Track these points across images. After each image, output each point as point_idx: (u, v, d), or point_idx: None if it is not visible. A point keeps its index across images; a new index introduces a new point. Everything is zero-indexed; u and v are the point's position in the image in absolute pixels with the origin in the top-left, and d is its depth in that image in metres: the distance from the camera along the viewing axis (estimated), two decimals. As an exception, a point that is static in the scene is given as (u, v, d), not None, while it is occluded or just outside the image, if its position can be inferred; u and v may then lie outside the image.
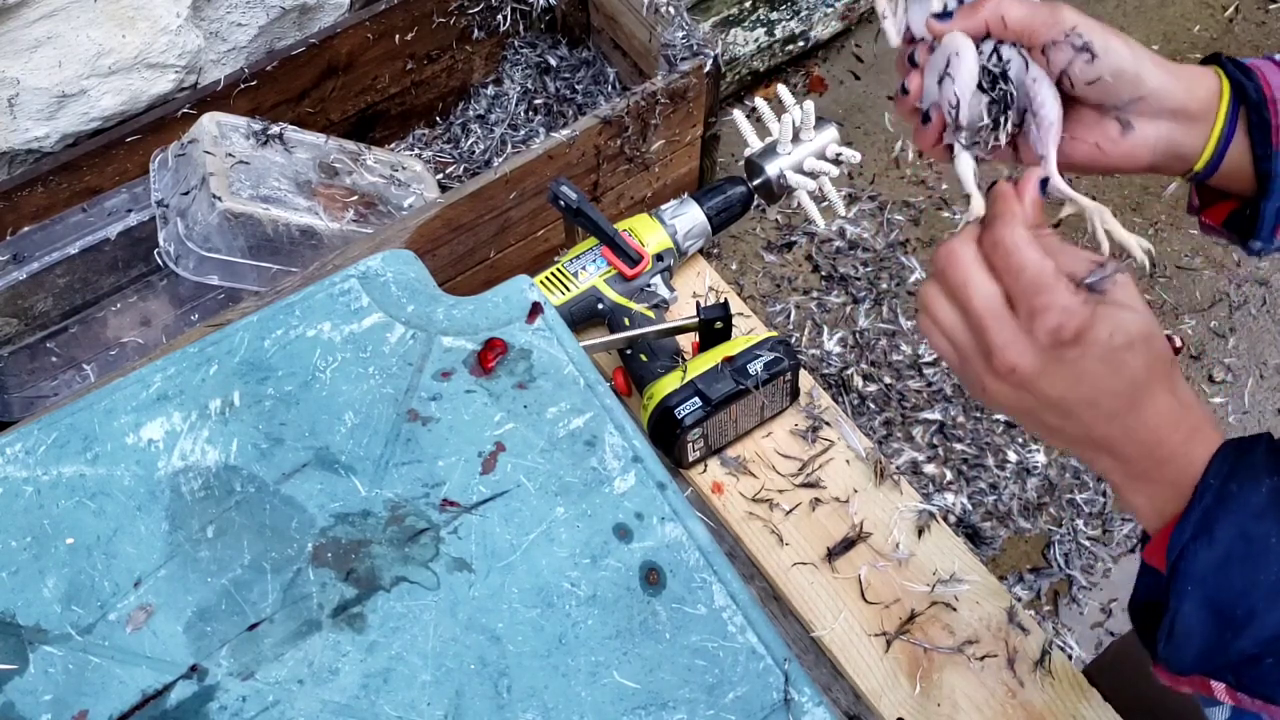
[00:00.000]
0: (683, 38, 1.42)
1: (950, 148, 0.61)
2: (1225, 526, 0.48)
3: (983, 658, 0.84)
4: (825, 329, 1.85)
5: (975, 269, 0.52)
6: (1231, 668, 0.49)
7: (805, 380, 0.97)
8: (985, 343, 0.52)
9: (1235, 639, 0.48)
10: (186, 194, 1.37)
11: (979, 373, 0.53)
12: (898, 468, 1.63)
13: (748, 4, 1.97)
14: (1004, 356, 0.51)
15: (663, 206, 1.01)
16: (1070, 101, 0.60)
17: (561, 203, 0.95)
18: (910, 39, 0.61)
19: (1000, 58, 0.59)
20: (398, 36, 1.61)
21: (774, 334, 0.93)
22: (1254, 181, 0.60)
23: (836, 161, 1.00)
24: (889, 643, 0.84)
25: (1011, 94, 0.59)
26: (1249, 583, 0.47)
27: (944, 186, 2.05)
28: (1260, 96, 0.58)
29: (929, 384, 1.80)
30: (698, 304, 0.94)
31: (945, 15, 0.58)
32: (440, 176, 1.71)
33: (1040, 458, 1.72)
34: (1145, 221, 2.03)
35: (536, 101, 1.78)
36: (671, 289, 0.99)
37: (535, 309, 0.73)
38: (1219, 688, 0.50)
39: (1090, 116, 0.60)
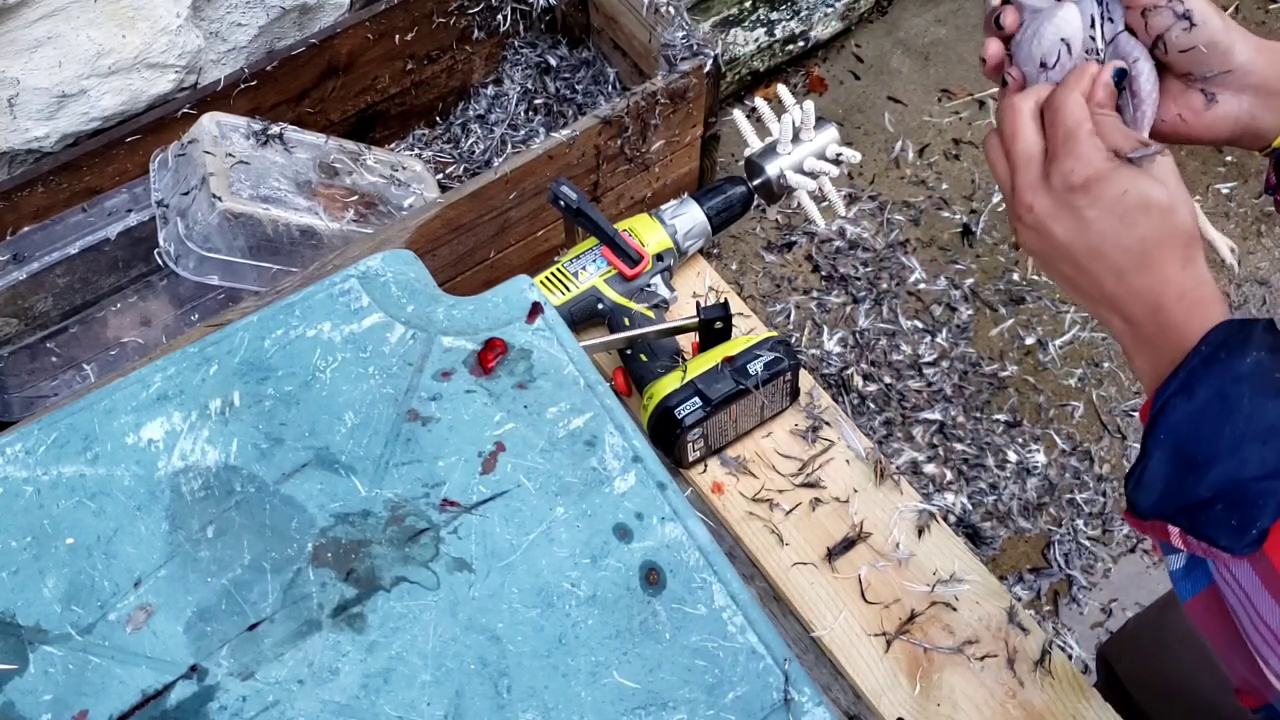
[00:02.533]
0: (683, 38, 1.42)
1: None
2: (1205, 386, 0.51)
3: (983, 658, 0.84)
4: (825, 329, 1.85)
5: (1025, 121, 0.58)
6: (1185, 511, 0.52)
7: (805, 380, 0.97)
8: (1015, 183, 0.58)
9: (1195, 484, 0.51)
10: (186, 194, 1.37)
11: (1010, 214, 0.59)
12: (898, 468, 1.63)
13: (748, 4, 1.97)
14: (1023, 196, 0.57)
15: (663, 206, 1.01)
16: (1158, 68, 0.62)
17: (561, 203, 0.95)
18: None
19: (1110, 20, 0.60)
20: (398, 36, 1.61)
21: (774, 334, 0.93)
22: None
23: (836, 161, 1.00)
24: (889, 643, 0.84)
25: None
26: (1214, 433, 0.51)
27: (944, 186, 2.05)
28: None
29: (929, 384, 1.80)
30: (698, 304, 0.94)
31: None
32: (440, 176, 1.71)
33: (1040, 458, 1.73)
34: None
35: (536, 101, 1.78)
36: (671, 289, 0.99)
37: (535, 309, 0.73)
38: (1174, 532, 0.53)
39: (1175, 87, 0.62)
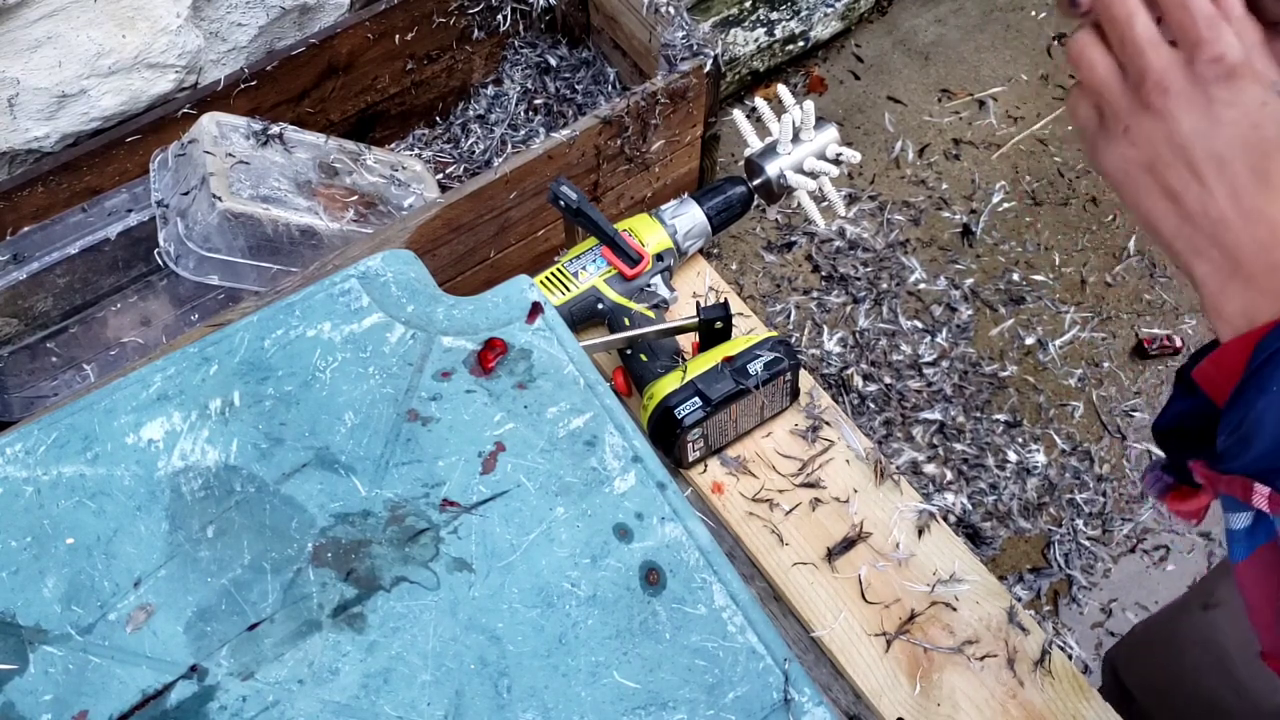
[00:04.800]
0: (683, 38, 1.42)
1: None
2: None
3: (983, 658, 0.84)
4: (825, 329, 1.85)
5: (1139, 5, 0.52)
6: None
7: (805, 380, 0.97)
8: (1140, 66, 0.51)
9: None
10: (186, 194, 1.37)
11: (1121, 111, 0.52)
12: (898, 468, 1.63)
13: (748, 4, 1.97)
14: (1158, 77, 0.50)
15: (663, 206, 1.01)
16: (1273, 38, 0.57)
17: (561, 203, 0.95)
18: None
19: None
20: (398, 36, 1.61)
21: (774, 334, 0.93)
22: None
23: (836, 161, 1.00)
24: (889, 643, 0.84)
25: None
26: None
27: (944, 186, 2.05)
28: None
29: (929, 384, 1.80)
30: (698, 304, 0.94)
31: None
32: (440, 176, 1.71)
33: (1040, 458, 1.73)
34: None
35: (536, 101, 1.78)
36: (671, 289, 0.99)
37: (535, 309, 0.73)
38: (1262, 492, 0.49)
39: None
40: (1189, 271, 0.53)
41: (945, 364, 1.82)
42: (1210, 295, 0.52)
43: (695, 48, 1.41)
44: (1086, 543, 1.66)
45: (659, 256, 0.98)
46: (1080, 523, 1.68)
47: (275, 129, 1.48)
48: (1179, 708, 0.90)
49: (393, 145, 1.76)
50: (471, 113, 1.79)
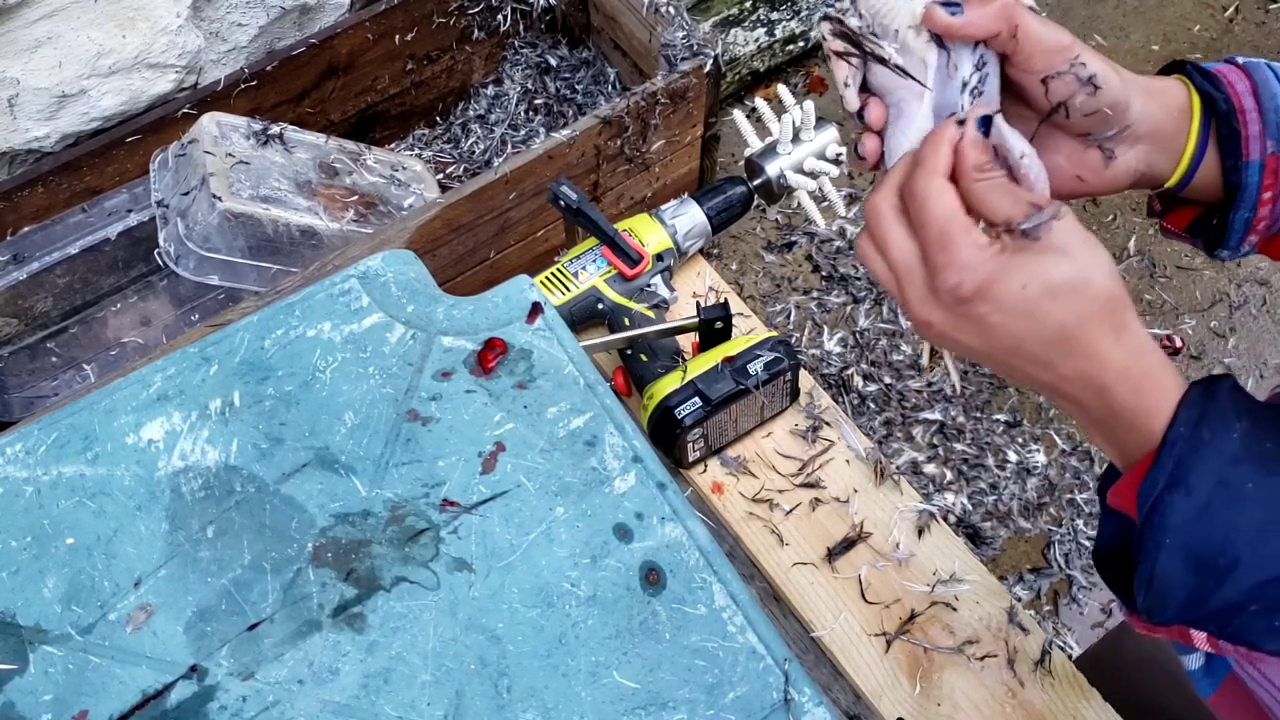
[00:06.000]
0: (683, 38, 1.42)
1: None
2: (1201, 475, 0.47)
3: (983, 658, 0.84)
4: (825, 329, 1.85)
5: (893, 224, 0.52)
6: (1213, 617, 0.47)
7: (805, 380, 0.97)
8: (903, 299, 0.52)
9: (1218, 588, 0.46)
10: (186, 194, 1.37)
11: (918, 313, 0.53)
12: (898, 468, 1.63)
13: (748, 4, 1.97)
14: (918, 312, 0.51)
15: (663, 206, 1.01)
16: (1051, 130, 0.58)
17: (561, 203, 0.95)
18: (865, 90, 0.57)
19: (980, 92, 0.54)
20: (398, 37, 1.61)
21: (774, 334, 0.93)
22: (1222, 191, 0.59)
23: (836, 161, 1.00)
24: (889, 643, 0.84)
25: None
26: (1230, 529, 0.46)
27: (944, 186, 2.04)
28: (1229, 107, 0.57)
29: (929, 384, 1.80)
30: (698, 304, 0.94)
31: (952, 4, 0.53)
32: (440, 176, 1.71)
33: (1040, 458, 1.73)
34: (1148, 222, 2.03)
35: (536, 101, 1.78)
36: (671, 289, 0.99)
37: (535, 309, 0.73)
38: (1199, 637, 0.49)
39: (1069, 146, 0.58)
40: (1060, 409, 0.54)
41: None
42: (1083, 431, 0.53)
43: (695, 48, 1.41)
44: (1086, 543, 1.66)
45: (659, 256, 0.98)
46: (1080, 523, 1.68)
47: (275, 129, 1.48)
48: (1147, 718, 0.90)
49: (393, 145, 1.76)
50: (471, 113, 1.79)
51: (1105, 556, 0.53)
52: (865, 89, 0.57)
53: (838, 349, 1.83)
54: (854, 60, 0.56)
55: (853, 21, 0.56)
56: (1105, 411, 0.50)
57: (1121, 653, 0.97)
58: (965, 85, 0.54)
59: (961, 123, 0.52)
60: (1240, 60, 0.59)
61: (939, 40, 0.54)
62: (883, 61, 0.56)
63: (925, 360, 0.66)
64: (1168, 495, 0.47)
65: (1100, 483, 0.54)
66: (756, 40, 2.05)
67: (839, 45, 0.57)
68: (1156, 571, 0.47)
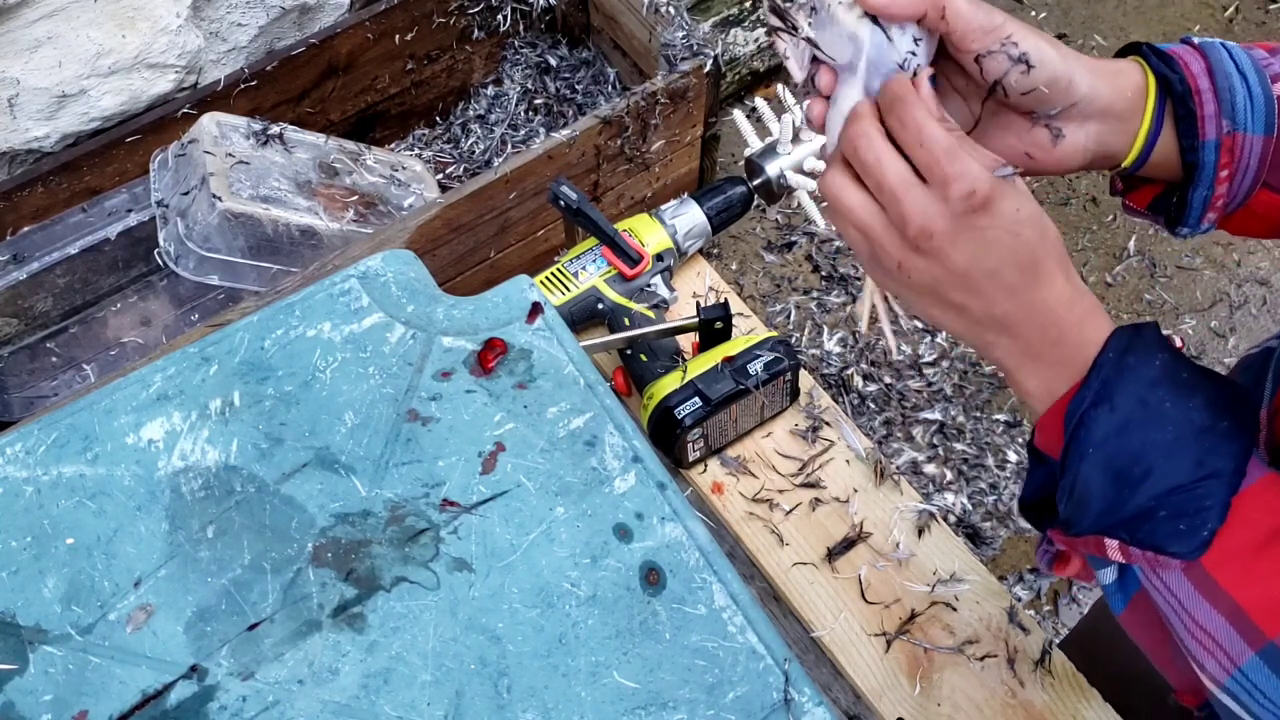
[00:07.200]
0: (683, 38, 1.42)
1: None
2: (1124, 394, 0.50)
3: (983, 658, 0.84)
4: (825, 329, 1.85)
5: (886, 146, 0.53)
6: (1125, 524, 0.51)
7: (805, 380, 0.97)
8: (900, 213, 0.53)
9: (1132, 495, 0.50)
10: (186, 194, 1.37)
11: (892, 251, 0.54)
12: (898, 468, 1.63)
13: (748, 4, 1.97)
14: (920, 222, 0.52)
15: (663, 206, 1.01)
16: (999, 109, 0.59)
17: (561, 203, 0.95)
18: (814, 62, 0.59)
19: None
20: (398, 36, 1.61)
21: (774, 334, 0.93)
22: (1181, 170, 0.60)
23: (836, 161, 1.00)
24: (889, 643, 0.84)
25: None
26: (1146, 443, 0.50)
27: (944, 186, 2.05)
28: (1185, 88, 0.58)
29: (929, 384, 1.80)
30: (698, 304, 0.94)
31: None
32: (440, 176, 1.71)
33: (1040, 458, 1.72)
34: (1144, 222, 2.02)
35: (536, 101, 1.78)
36: (671, 289, 0.99)
37: (535, 309, 0.73)
38: (1112, 545, 0.52)
39: (1019, 125, 0.59)
40: (985, 357, 0.56)
41: (945, 364, 1.82)
42: (1011, 378, 0.56)
43: (695, 48, 1.41)
44: (1086, 543, 1.66)
45: (659, 256, 0.98)
46: (1080, 523, 1.68)
47: (275, 129, 1.48)
48: (1132, 695, 0.91)
49: (393, 145, 1.76)
50: (471, 113, 1.79)
51: (1032, 505, 0.57)
52: (816, 60, 0.59)
53: (838, 349, 1.83)
54: (786, 35, 0.59)
55: None
56: (1048, 343, 0.53)
57: (1101, 627, 0.98)
58: (902, 64, 0.55)
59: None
60: (1196, 40, 0.60)
61: (873, 18, 0.56)
62: (795, 34, 0.58)
63: (864, 325, 0.68)
64: (1093, 411, 0.51)
65: (1029, 440, 0.57)
66: (756, 40, 2.05)
67: (773, 20, 0.59)
68: (1079, 481, 0.51)
